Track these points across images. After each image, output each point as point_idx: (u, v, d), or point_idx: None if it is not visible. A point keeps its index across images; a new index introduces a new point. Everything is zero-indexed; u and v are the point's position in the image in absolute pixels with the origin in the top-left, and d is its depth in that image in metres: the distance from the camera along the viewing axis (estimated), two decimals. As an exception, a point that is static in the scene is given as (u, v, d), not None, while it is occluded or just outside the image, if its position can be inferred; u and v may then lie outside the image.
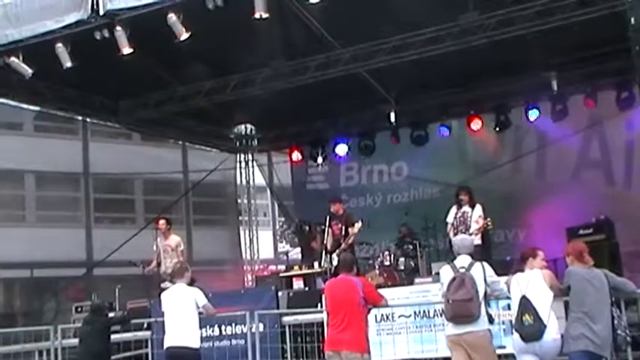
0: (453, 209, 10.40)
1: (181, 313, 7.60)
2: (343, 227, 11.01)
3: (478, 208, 10.15)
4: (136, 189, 20.05)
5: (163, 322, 7.77)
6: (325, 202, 11.63)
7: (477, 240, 9.59)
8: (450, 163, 14.26)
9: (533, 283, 6.37)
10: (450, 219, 10.38)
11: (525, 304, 6.27)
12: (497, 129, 13.76)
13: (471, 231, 9.89)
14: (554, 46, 11.42)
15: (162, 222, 11.51)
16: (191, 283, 8.03)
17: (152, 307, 10.18)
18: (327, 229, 11.12)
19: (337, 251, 10.73)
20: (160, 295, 8.15)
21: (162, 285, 10.40)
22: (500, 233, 13.56)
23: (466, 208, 10.24)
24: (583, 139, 13.40)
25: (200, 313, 7.76)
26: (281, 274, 12.52)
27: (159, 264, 11.34)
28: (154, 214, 15.91)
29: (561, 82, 12.57)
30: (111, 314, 10.04)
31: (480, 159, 14.24)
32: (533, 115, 13.30)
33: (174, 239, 11.44)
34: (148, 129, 15.15)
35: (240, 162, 16.89)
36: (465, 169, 14.00)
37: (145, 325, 10.11)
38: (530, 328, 6.20)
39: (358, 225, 10.79)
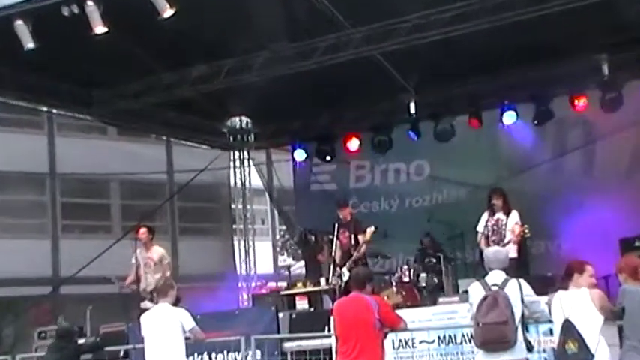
0: (485, 216, 10.40)
1: (165, 338, 7.60)
2: (352, 236, 11.01)
3: (514, 214, 10.16)
4: (111, 192, 20.10)
5: (143, 349, 7.80)
6: (333, 205, 11.61)
7: (513, 252, 9.59)
8: (479, 161, 14.21)
9: (579, 303, 6.33)
10: (480, 227, 10.39)
11: (569, 329, 6.24)
12: (536, 122, 13.70)
13: (505, 241, 9.86)
14: (605, 23, 11.35)
15: (143, 231, 11.51)
16: (176, 303, 8.05)
17: (130, 332, 10.22)
18: (335, 238, 11.12)
19: (348, 264, 10.72)
20: (139, 318, 8.13)
21: (143, 305, 10.42)
22: (540, 244, 13.50)
23: (500, 215, 10.26)
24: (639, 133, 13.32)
25: (187, 338, 7.78)
26: (282, 292, 12.55)
27: (138, 280, 11.35)
28: (132, 221, 15.90)
29: (614, 65, 12.51)
30: (81, 340, 10.05)
31: (515, 157, 14.19)
32: (579, 105, 13.22)
33: (157, 251, 11.47)
34: (126, 122, 15.17)
35: (234, 161, 16.90)
36: (498, 169, 13.95)
37: (122, 353, 10.17)
38: (574, 357, 6.17)
39: (370, 230, 10.82)
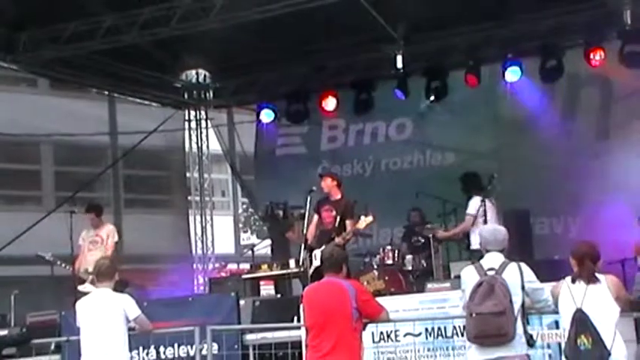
0: (477, 199, 10.71)
1: (105, 328, 7.57)
2: (338, 217, 10.94)
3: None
4: (42, 156, 19.94)
5: (78, 341, 7.75)
6: (303, 174, 11.58)
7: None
8: (476, 123, 14.24)
9: (592, 292, 6.37)
10: (471, 210, 10.70)
11: (581, 321, 6.27)
12: (544, 79, 13.74)
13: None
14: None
15: (91, 216, 11.56)
16: (120, 288, 8.01)
17: (63, 321, 10.18)
18: (307, 213, 11.08)
19: (323, 246, 10.72)
20: (75, 304, 8.10)
21: (82, 288, 10.40)
22: (545, 222, 13.61)
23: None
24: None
25: (131, 329, 7.75)
26: (244, 276, 12.56)
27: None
28: (68, 191, 15.81)
29: (637, 12, 12.54)
30: (3, 332, 10.00)
31: (518, 119, 14.24)
32: (596, 59, 13.25)
33: (107, 228, 11.60)
34: (60, 73, 15.00)
35: (189, 121, 16.86)
36: (498, 134, 14.00)
37: (53, 347, 10.07)
38: (587, 354, 6.20)
39: (367, 220, 10.72)
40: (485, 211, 10.74)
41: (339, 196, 11.11)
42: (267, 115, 15.89)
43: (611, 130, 13.87)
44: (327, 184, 11.17)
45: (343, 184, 11.36)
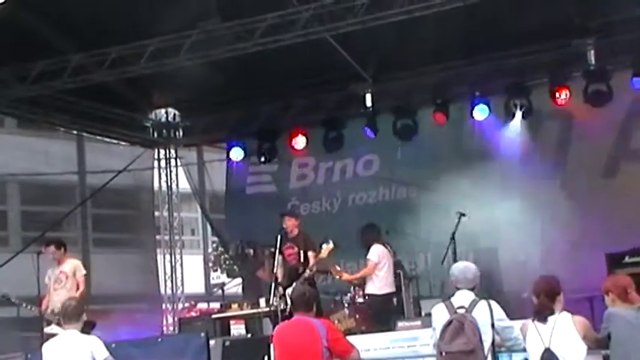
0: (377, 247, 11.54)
1: (72, 372, 7.44)
2: (301, 252, 11.03)
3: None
4: (9, 196, 19.78)
5: (45, 385, 7.62)
6: (273, 212, 11.60)
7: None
8: (442, 159, 14.24)
9: (559, 330, 6.40)
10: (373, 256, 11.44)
11: (549, 360, 6.30)
12: (513, 117, 13.82)
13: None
14: (592, 1, 11.58)
15: (51, 249, 11.34)
16: (87, 329, 7.91)
17: (29, 364, 9.98)
18: (277, 254, 11.10)
19: (295, 284, 10.72)
20: (41, 346, 8.00)
21: (48, 330, 10.26)
22: (513, 257, 13.62)
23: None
24: (622, 129, 13.52)
25: (99, 371, 7.63)
26: (214, 316, 12.51)
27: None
28: (35, 231, 15.64)
29: (601, 52, 12.72)
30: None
31: (485, 155, 14.26)
32: (561, 97, 13.40)
33: (70, 263, 11.35)
34: (28, 112, 14.89)
35: (158, 160, 16.79)
36: (464, 169, 14.08)
37: (19, 392, 9.95)
38: (555, 392, 6.24)
39: (328, 248, 10.91)
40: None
41: (296, 232, 11.36)
42: (237, 154, 15.88)
43: (567, 168, 13.93)
44: (290, 223, 11.38)
45: (312, 220, 11.48)
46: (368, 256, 11.45)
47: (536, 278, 6.83)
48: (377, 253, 11.40)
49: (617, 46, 12.79)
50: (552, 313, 6.48)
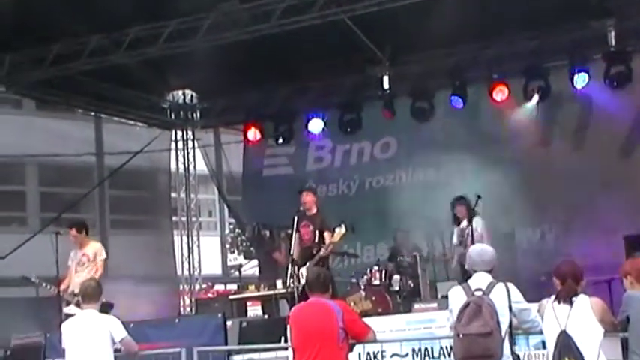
0: (455, 230, 11.43)
1: (90, 350, 7.54)
2: (317, 232, 11.01)
3: (477, 220, 11.16)
4: (28, 177, 19.87)
5: (64, 363, 7.68)
6: (290, 194, 11.61)
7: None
8: (460, 141, 14.23)
9: (576, 313, 6.39)
10: (455, 239, 11.38)
11: (565, 343, 6.29)
12: (531, 99, 13.77)
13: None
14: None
15: (73, 233, 11.34)
16: (105, 310, 7.97)
17: (48, 343, 10.11)
18: (294, 233, 11.11)
19: (308, 264, 10.75)
20: (60, 326, 8.08)
21: (67, 310, 10.34)
22: (523, 237, 13.63)
23: (464, 224, 11.17)
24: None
25: (117, 351, 7.72)
26: (231, 297, 12.57)
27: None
28: (53, 212, 15.74)
29: (621, 33, 12.63)
30: (-14, 355, 9.95)
31: (502, 137, 14.24)
32: (580, 80, 13.32)
33: (93, 246, 11.35)
34: (46, 94, 15.04)
35: (176, 142, 16.86)
36: (481, 151, 14.06)
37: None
38: (572, 376, 6.23)
39: (340, 231, 10.85)
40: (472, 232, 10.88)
41: (314, 211, 11.25)
42: (253, 136, 15.90)
43: (586, 148, 13.87)
44: (309, 199, 11.28)
45: (328, 203, 11.47)
46: (475, 226, 11.20)
47: (558, 261, 6.80)
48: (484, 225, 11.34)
49: (638, 27, 12.70)
50: (577, 294, 6.47)
